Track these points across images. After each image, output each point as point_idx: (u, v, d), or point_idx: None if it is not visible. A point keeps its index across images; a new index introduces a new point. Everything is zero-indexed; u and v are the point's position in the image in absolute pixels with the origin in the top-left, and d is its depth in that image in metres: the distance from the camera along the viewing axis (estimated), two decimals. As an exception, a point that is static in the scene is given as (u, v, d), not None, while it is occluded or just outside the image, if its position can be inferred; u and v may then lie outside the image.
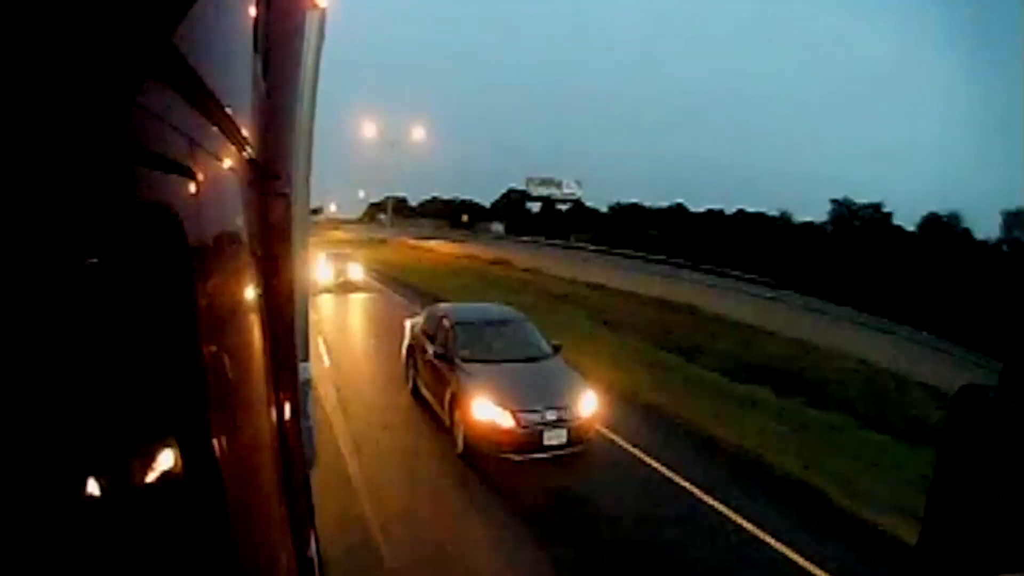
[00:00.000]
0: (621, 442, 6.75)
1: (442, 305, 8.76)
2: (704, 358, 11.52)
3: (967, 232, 35.92)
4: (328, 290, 16.67)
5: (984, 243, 34.81)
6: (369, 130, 36.65)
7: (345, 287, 17.41)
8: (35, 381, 0.39)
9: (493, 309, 8.60)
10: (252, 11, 1.36)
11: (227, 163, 1.11)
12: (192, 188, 0.74)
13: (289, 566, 1.64)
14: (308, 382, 2.74)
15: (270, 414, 1.57)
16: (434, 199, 64.78)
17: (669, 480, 6.03)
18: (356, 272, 18.46)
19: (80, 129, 0.43)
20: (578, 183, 50.50)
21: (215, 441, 0.77)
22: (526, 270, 25.59)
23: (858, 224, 42.46)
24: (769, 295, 23.07)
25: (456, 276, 21.71)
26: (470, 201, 61.84)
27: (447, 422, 6.50)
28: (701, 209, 51.46)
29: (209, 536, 0.76)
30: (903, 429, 8.37)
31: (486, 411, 5.90)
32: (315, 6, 2.49)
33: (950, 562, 0.99)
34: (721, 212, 49.86)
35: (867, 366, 13.28)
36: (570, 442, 5.94)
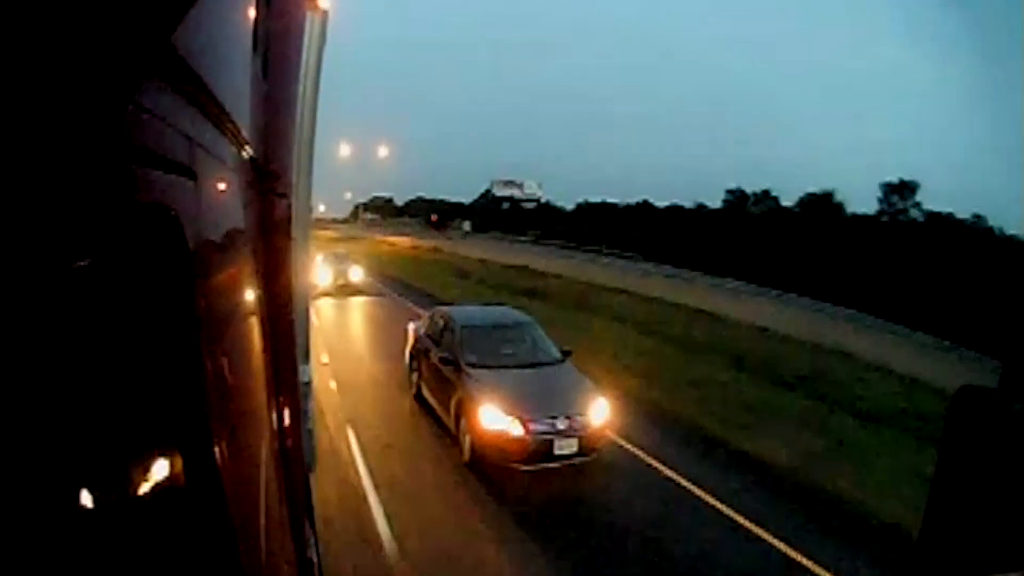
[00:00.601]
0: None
1: (447, 308, 8.54)
2: (539, 299, 16.92)
3: (839, 207, 45.24)
4: (327, 293, 16.16)
5: (856, 215, 44.19)
6: (347, 142, 38.45)
7: (345, 290, 16.94)
8: (35, 381, 0.39)
9: (500, 312, 8.33)
10: (252, 11, 1.36)
11: (227, 163, 1.11)
12: (192, 188, 0.74)
13: (289, 567, 1.63)
14: (308, 384, 2.74)
15: (270, 415, 1.57)
16: (418, 199, 69.52)
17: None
18: (356, 274, 17.92)
19: (80, 129, 0.43)
20: (539, 185, 54.13)
21: (215, 442, 0.76)
22: (452, 254, 33.99)
23: (753, 208, 50.92)
24: (649, 269, 29.20)
25: (393, 257, 29.82)
26: (445, 201, 66.64)
27: (453, 429, 6.31)
28: (664, 204, 57.43)
29: (209, 537, 0.76)
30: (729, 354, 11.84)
31: (494, 419, 5.71)
32: (316, 7, 2.49)
33: (950, 561, 0.99)
34: (652, 205, 56.93)
35: (719, 318, 16.70)
36: (581, 452, 5.77)
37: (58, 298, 0.42)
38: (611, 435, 6.39)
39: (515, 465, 5.64)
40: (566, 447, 5.70)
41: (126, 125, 0.50)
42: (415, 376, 7.71)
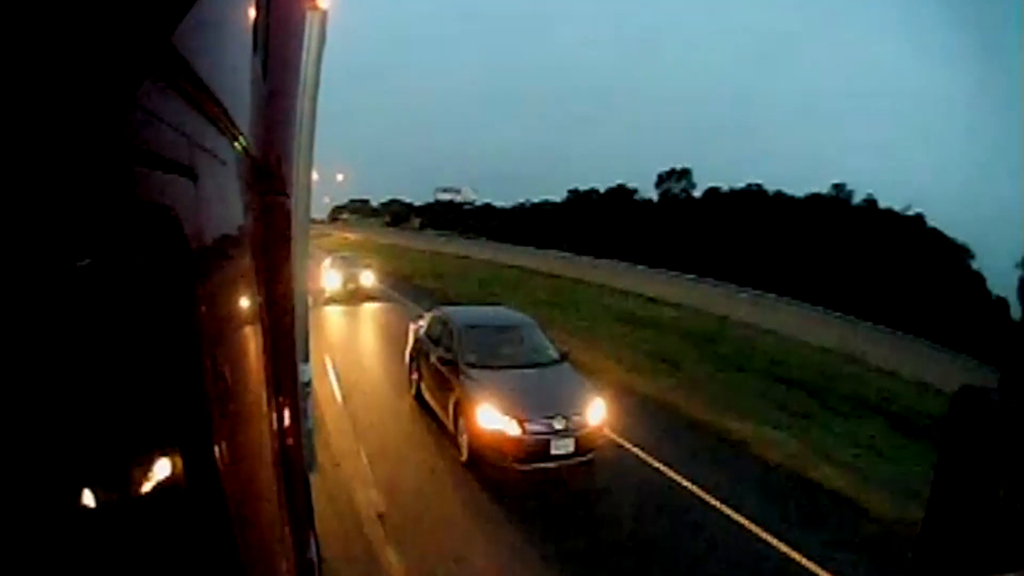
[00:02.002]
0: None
1: (447, 308, 8.53)
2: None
3: (632, 192, 55.07)
4: (335, 300, 14.61)
5: (645, 200, 54.02)
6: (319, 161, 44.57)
7: (356, 296, 15.16)
8: (35, 381, 0.39)
9: (500, 313, 8.48)
10: (252, 11, 1.36)
11: (227, 163, 1.11)
12: (192, 188, 0.74)
13: (289, 567, 1.63)
14: (308, 384, 2.74)
15: (270, 415, 1.57)
16: (392, 201, 79.30)
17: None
18: (368, 279, 15.97)
19: (81, 129, 0.43)
20: (474, 190, 67.26)
21: (215, 442, 0.76)
22: (371, 241, 41.44)
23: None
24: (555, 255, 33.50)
25: (341, 244, 34.12)
26: (401, 201, 77.88)
27: (451, 429, 6.32)
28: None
29: (209, 537, 0.76)
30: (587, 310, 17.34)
31: (492, 419, 5.74)
32: (316, 7, 2.49)
33: (950, 560, 0.99)
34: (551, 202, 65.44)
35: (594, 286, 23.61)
36: (577, 451, 5.81)
37: (58, 298, 0.42)
38: (608, 433, 6.33)
39: (512, 465, 5.67)
40: (563, 447, 5.75)
41: (126, 125, 0.50)
42: (415, 376, 7.71)
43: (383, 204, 78.74)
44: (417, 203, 74.64)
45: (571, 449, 5.76)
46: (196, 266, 0.73)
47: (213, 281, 0.88)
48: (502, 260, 30.01)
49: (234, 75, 1.15)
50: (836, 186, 44.56)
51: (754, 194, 46.28)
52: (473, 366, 6.38)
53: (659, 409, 8.29)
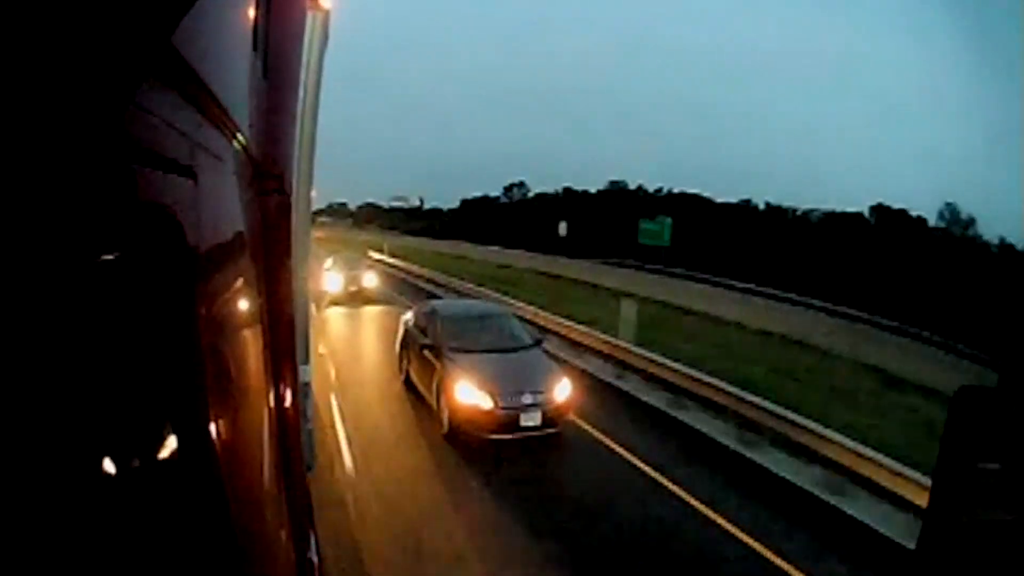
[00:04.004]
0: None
1: (433, 302, 9.58)
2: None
3: (496, 199, 75.52)
4: (337, 302, 14.90)
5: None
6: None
7: (357, 298, 15.51)
8: (34, 382, 0.39)
9: (480, 306, 9.75)
10: (252, 11, 1.35)
11: (227, 163, 1.11)
12: (192, 188, 0.74)
13: (289, 568, 1.63)
14: (308, 384, 2.74)
15: (270, 416, 1.57)
16: (367, 204, 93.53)
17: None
18: (371, 280, 16.31)
19: (80, 129, 0.43)
20: (420, 199, 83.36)
21: (215, 442, 0.76)
22: (336, 236, 48.40)
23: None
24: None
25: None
26: (376, 204, 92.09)
27: (434, 406, 6.99)
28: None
29: (209, 537, 0.76)
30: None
31: (468, 394, 6.43)
32: (318, 7, 2.48)
33: (950, 564, 0.99)
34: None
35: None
36: (544, 424, 6.46)
37: (57, 299, 0.42)
38: (572, 412, 6.94)
39: (485, 435, 6.31)
40: (530, 420, 6.43)
41: (126, 125, 0.50)
42: (404, 363, 8.53)
43: (359, 207, 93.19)
44: (395, 204, 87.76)
45: (538, 422, 6.45)
46: (196, 266, 0.73)
47: (213, 281, 0.88)
48: (422, 246, 44.79)
49: (234, 75, 1.15)
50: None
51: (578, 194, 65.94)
52: (454, 350, 7.09)
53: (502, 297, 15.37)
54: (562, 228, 25.85)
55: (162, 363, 0.65)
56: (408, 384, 8.25)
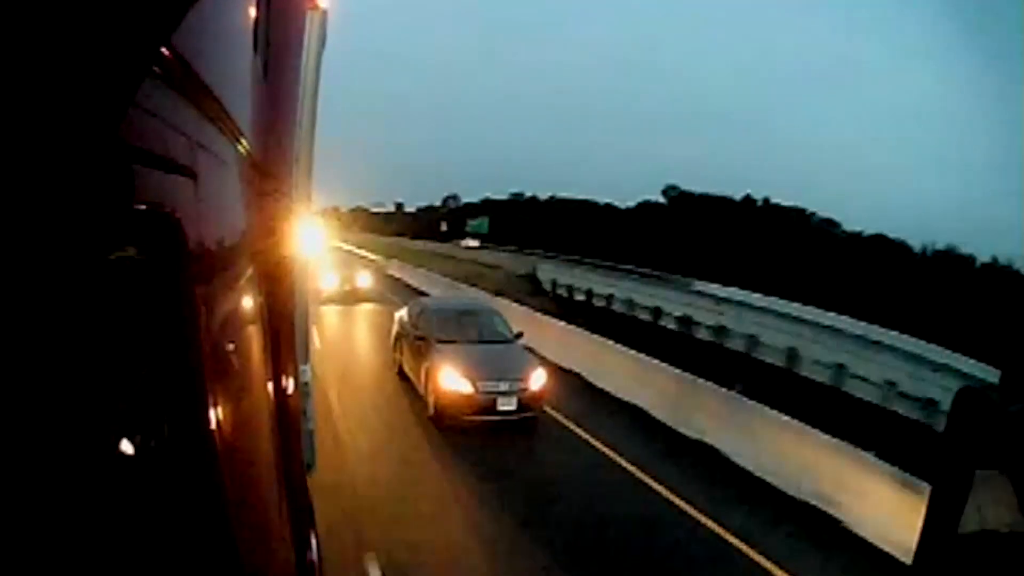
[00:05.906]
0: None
1: (423, 299, 10.61)
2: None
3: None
4: (332, 300, 15.79)
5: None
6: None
7: (352, 296, 16.57)
8: (34, 382, 0.39)
9: (468, 302, 10.91)
10: (252, 11, 1.35)
11: (227, 163, 1.10)
12: (192, 188, 0.74)
13: (289, 568, 1.63)
14: (308, 384, 2.74)
15: (270, 416, 1.57)
16: (356, 208, 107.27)
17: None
18: (364, 280, 17.52)
19: (80, 129, 0.43)
20: (396, 204, 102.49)
21: (215, 443, 0.76)
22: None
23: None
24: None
25: None
26: (363, 208, 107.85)
27: (422, 392, 7.72)
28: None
29: (210, 537, 0.76)
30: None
31: (452, 380, 7.10)
32: (316, 7, 2.49)
33: (951, 563, 0.99)
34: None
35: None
36: (520, 408, 7.11)
37: (57, 299, 0.41)
38: (547, 399, 7.71)
39: (466, 417, 6.99)
40: (507, 404, 7.08)
41: (126, 125, 0.50)
42: (397, 355, 9.33)
43: (350, 211, 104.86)
44: (376, 210, 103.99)
45: (514, 407, 7.09)
46: (196, 266, 0.73)
47: (212, 282, 0.87)
48: (378, 240, 56.49)
49: (234, 75, 1.14)
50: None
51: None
52: (441, 341, 7.81)
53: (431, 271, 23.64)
54: (443, 226, 43.65)
55: (163, 363, 0.65)
56: (401, 375, 9.02)
